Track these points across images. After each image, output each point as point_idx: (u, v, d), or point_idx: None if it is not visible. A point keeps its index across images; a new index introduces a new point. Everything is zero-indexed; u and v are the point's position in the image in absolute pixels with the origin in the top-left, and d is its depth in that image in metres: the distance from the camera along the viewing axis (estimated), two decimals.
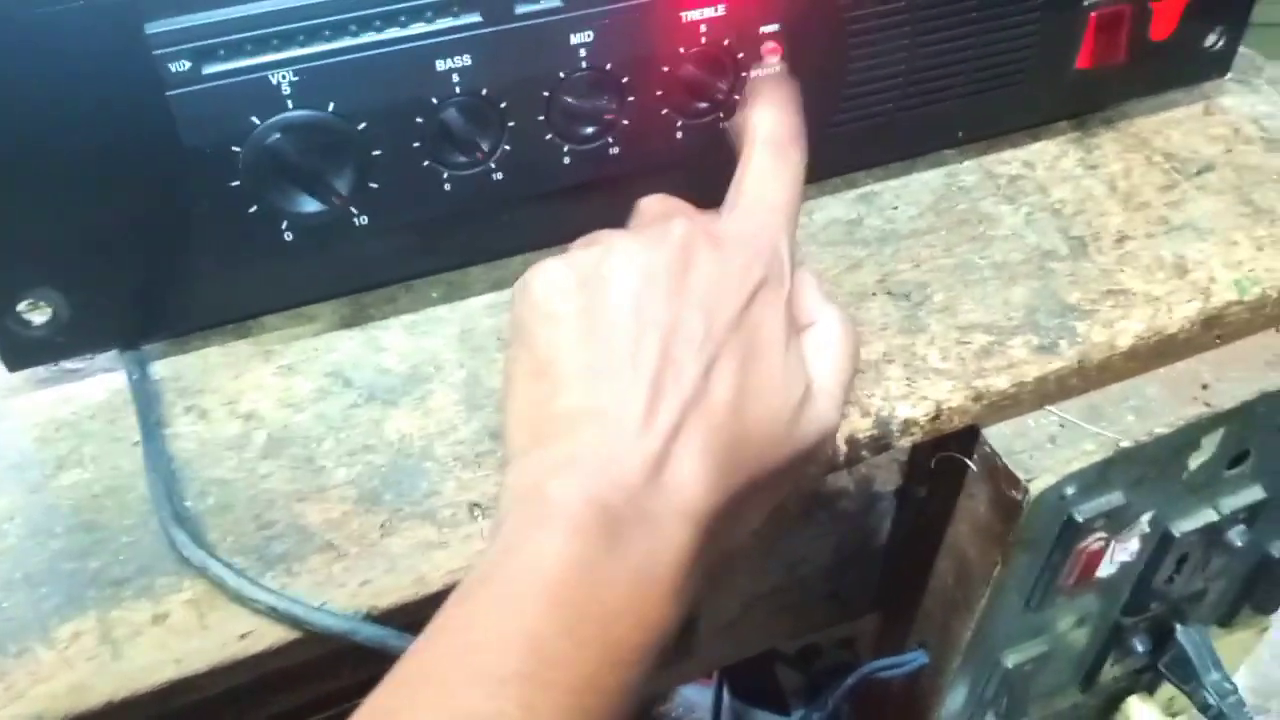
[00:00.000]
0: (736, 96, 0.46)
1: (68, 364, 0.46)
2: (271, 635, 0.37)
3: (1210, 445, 0.50)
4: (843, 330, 0.38)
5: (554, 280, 0.35)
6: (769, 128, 0.39)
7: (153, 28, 0.37)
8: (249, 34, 0.38)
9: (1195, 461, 0.50)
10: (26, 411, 0.45)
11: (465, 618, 0.30)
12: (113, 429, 0.44)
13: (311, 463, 0.42)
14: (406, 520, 0.40)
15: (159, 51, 0.37)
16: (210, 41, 0.37)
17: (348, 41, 0.39)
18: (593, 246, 0.36)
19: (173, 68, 0.37)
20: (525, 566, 0.30)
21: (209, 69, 0.38)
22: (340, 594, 0.38)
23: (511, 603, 0.30)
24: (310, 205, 0.42)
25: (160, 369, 0.46)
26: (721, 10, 0.44)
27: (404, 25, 0.39)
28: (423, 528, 0.40)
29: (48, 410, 0.45)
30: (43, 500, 0.41)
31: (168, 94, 0.38)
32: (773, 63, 0.46)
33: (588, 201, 0.49)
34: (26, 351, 0.44)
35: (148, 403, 0.44)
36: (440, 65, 0.41)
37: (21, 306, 0.42)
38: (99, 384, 0.46)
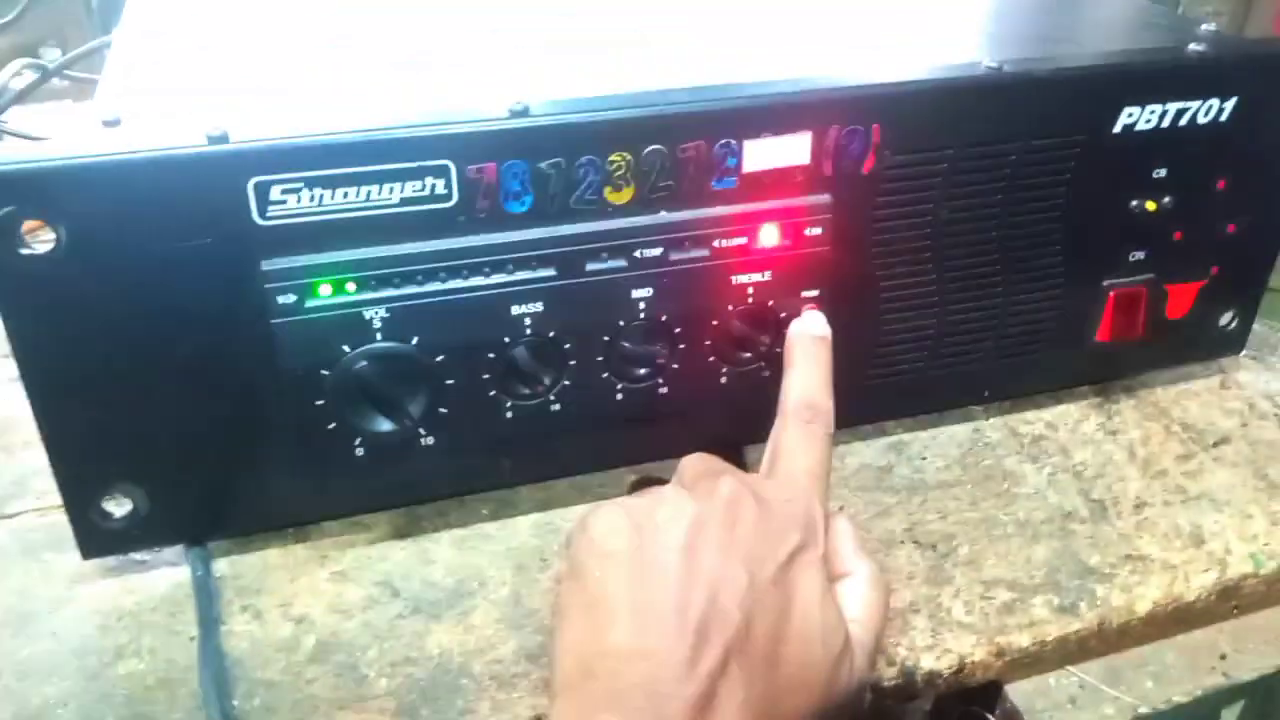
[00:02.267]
0: (778, 349, 0.51)
1: (135, 555, 0.49)
2: None
3: (1230, 717, 0.50)
4: (875, 584, 0.40)
5: (610, 522, 0.38)
6: (798, 399, 0.44)
7: (268, 264, 0.42)
8: (351, 275, 0.42)
9: None
10: (92, 599, 0.47)
11: None
12: (172, 622, 0.46)
13: (355, 670, 0.44)
14: None
15: (270, 285, 0.42)
16: (316, 280, 0.42)
17: (436, 286, 0.44)
18: (645, 495, 0.39)
19: (280, 300, 0.42)
20: None
21: (312, 303, 0.42)
22: None
23: None
24: (384, 425, 0.45)
25: (222, 566, 0.49)
26: (768, 276, 0.48)
27: (487, 275, 0.44)
28: None
29: (112, 599, 0.47)
30: (98, 688, 0.43)
31: (272, 322, 0.42)
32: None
33: (634, 433, 0.52)
34: (102, 542, 0.47)
35: (208, 599, 0.46)
36: (515, 310, 0.45)
37: (105, 500, 0.46)
38: (163, 576, 0.48)
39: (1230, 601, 0.51)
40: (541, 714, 0.43)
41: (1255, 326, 0.64)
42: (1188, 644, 0.50)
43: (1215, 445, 0.59)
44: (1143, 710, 0.47)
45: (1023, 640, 0.47)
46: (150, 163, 0.40)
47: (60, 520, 0.46)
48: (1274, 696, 0.50)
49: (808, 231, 0.48)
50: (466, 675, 0.44)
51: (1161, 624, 0.49)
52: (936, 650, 0.46)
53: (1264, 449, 0.58)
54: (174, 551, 0.49)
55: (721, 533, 0.37)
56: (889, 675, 0.45)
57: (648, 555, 0.37)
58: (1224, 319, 0.62)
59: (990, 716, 0.49)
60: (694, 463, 0.43)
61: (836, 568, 0.40)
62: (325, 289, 0.42)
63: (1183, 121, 0.53)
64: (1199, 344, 0.63)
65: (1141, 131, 0.53)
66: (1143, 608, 0.48)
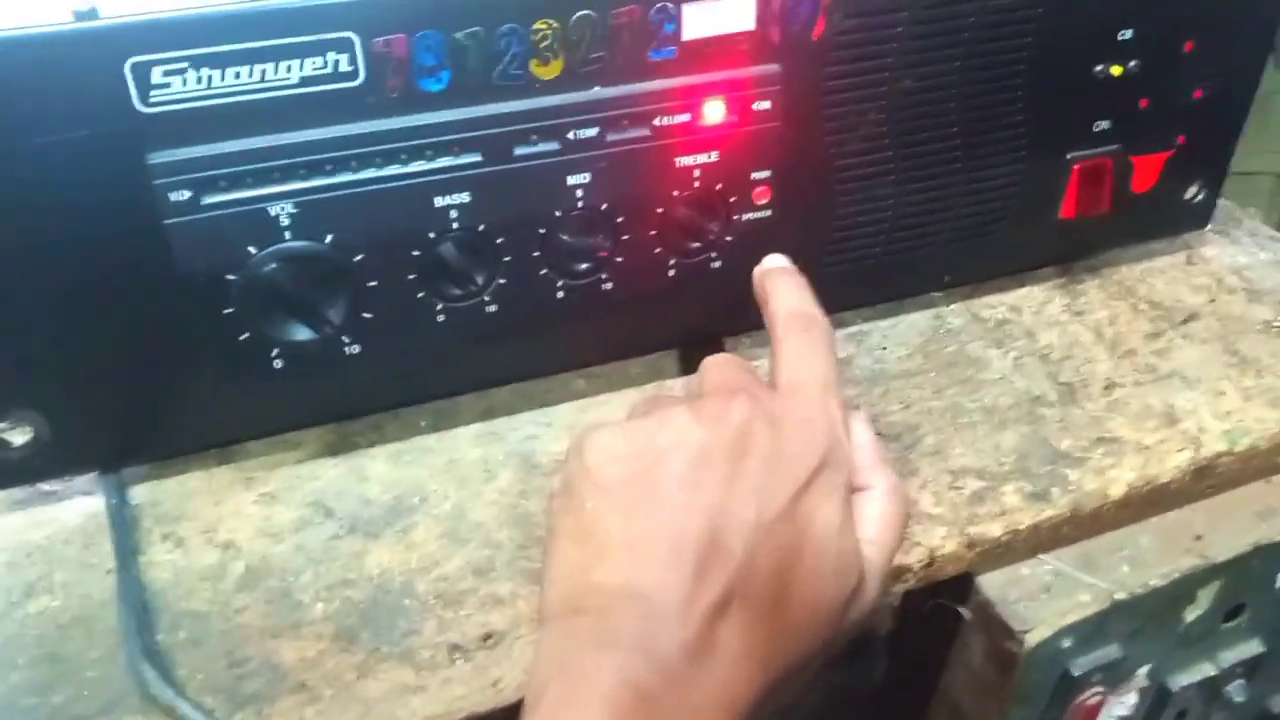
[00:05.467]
0: (728, 238, 0.47)
1: (44, 486, 0.46)
2: None
3: (1206, 598, 0.49)
4: (893, 499, 0.37)
5: (607, 447, 0.35)
6: (788, 311, 0.40)
7: (155, 158, 0.38)
8: (250, 167, 0.38)
9: (1191, 614, 0.49)
10: None
11: None
12: (86, 555, 0.43)
13: (288, 597, 0.41)
14: (384, 661, 0.39)
15: (160, 181, 0.38)
16: (211, 173, 0.38)
17: (348, 177, 0.40)
18: (650, 416, 0.36)
19: (172, 197, 0.38)
20: None
21: (208, 199, 0.38)
22: None
23: None
24: (302, 334, 0.42)
25: (139, 493, 0.45)
26: (715, 157, 0.45)
27: (405, 163, 0.40)
28: (400, 670, 0.39)
29: (20, 534, 0.44)
30: (6, 629, 0.40)
31: (165, 223, 0.38)
32: (763, 206, 0.47)
33: (579, 333, 0.49)
34: (3, 473, 0.43)
35: (124, 529, 0.43)
36: (439, 201, 0.41)
37: (1, 427, 0.42)
38: (76, 507, 0.45)
39: (1205, 481, 0.49)
40: (491, 631, 0.40)
41: (1220, 201, 0.61)
42: (1162, 526, 0.49)
43: (1184, 322, 0.57)
44: (1119, 596, 0.45)
45: (994, 530, 0.45)
46: (12, 44, 0.35)
47: None
48: (1247, 574, 0.49)
49: (755, 106, 0.45)
50: (409, 595, 0.41)
51: (1135, 507, 0.47)
52: (906, 544, 0.44)
53: (1233, 324, 0.56)
54: (86, 480, 0.46)
55: (727, 464, 0.34)
56: None
57: (645, 487, 0.34)
58: (1190, 191, 0.60)
59: (961, 609, 0.47)
60: (714, 370, 0.39)
61: (854, 479, 0.37)
62: (223, 183, 0.38)
63: None
64: (1165, 219, 0.60)
65: None
66: (1116, 491, 0.47)
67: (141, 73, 0.36)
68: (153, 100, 0.36)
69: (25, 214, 0.37)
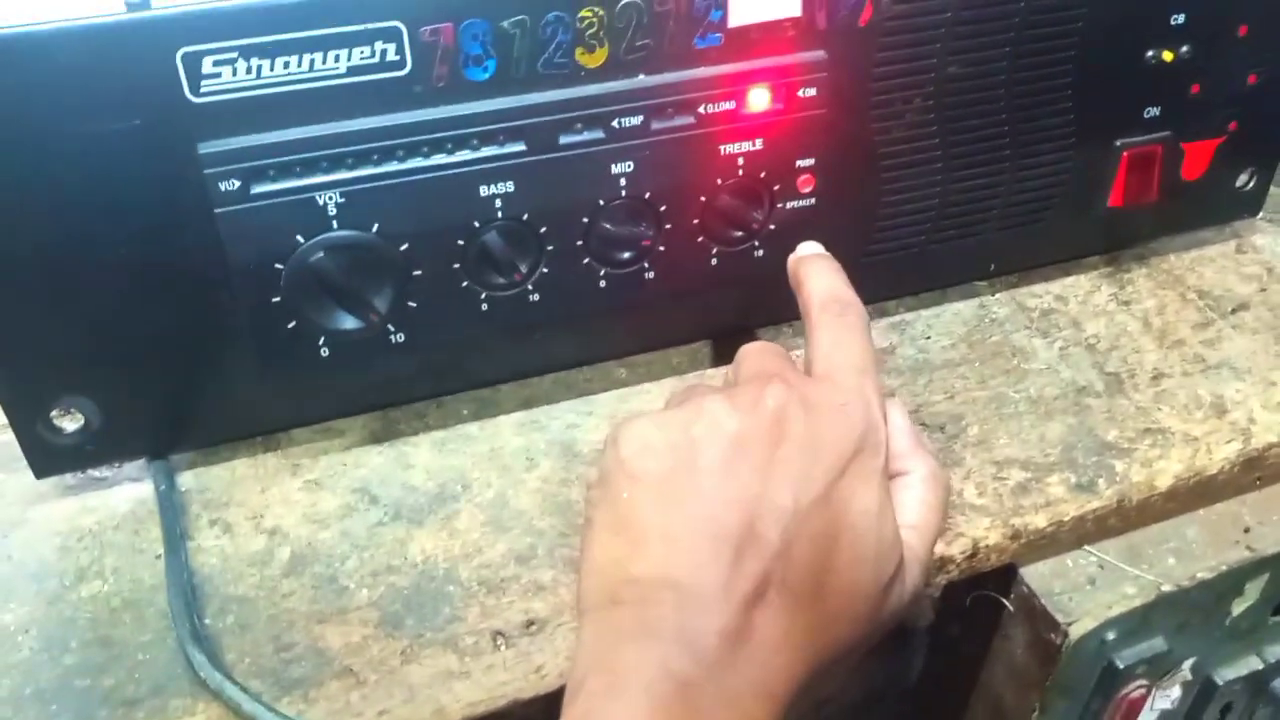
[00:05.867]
0: (772, 227, 0.47)
1: (94, 472, 0.46)
2: None
3: (1254, 591, 0.48)
4: (933, 484, 0.37)
5: (643, 438, 0.35)
6: (822, 296, 0.40)
7: (205, 148, 0.38)
8: (299, 156, 0.38)
9: (1239, 607, 0.48)
10: (50, 520, 0.44)
11: None
12: (136, 540, 0.43)
13: (334, 582, 0.42)
14: (428, 647, 0.39)
15: (210, 170, 0.38)
16: (260, 162, 0.38)
17: (394, 166, 0.40)
18: (685, 405, 0.35)
19: (222, 186, 0.38)
20: None
21: (258, 188, 0.39)
22: None
23: None
24: (348, 322, 0.42)
25: (187, 480, 0.46)
26: (759, 145, 0.44)
27: (450, 152, 0.40)
28: (444, 656, 0.39)
29: (71, 519, 0.44)
30: (60, 612, 0.41)
31: (216, 211, 0.39)
32: (807, 194, 0.47)
33: (620, 323, 0.49)
34: (55, 459, 0.44)
35: (173, 515, 0.43)
36: (484, 190, 0.41)
37: (54, 413, 0.42)
38: (125, 493, 0.45)
39: (1254, 473, 0.48)
40: (533, 618, 0.40)
41: (1271, 189, 0.60)
42: (1209, 518, 0.48)
43: (1233, 312, 0.56)
44: (1166, 588, 0.45)
45: (1039, 521, 0.44)
46: (65, 35, 0.35)
47: (10, 440, 0.43)
48: None
49: (801, 93, 0.44)
50: (453, 581, 0.42)
51: (1183, 499, 0.47)
52: (949, 535, 0.43)
53: None
54: (135, 466, 0.46)
55: (763, 452, 0.34)
56: None
57: (681, 477, 0.33)
58: (1241, 179, 0.59)
59: (1004, 601, 0.47)
60: (750, 358, 0.39)
61: (891, 465, 0.37)
62: (272, 172, 0.38)
63: None
64: (1214, 207, 0.59)
65: None
66: (1164, 482, 0.46)
67: (192, 62, 0.36)
68: (203, 90, 0.37)
69: (77, 203, 0.38)
